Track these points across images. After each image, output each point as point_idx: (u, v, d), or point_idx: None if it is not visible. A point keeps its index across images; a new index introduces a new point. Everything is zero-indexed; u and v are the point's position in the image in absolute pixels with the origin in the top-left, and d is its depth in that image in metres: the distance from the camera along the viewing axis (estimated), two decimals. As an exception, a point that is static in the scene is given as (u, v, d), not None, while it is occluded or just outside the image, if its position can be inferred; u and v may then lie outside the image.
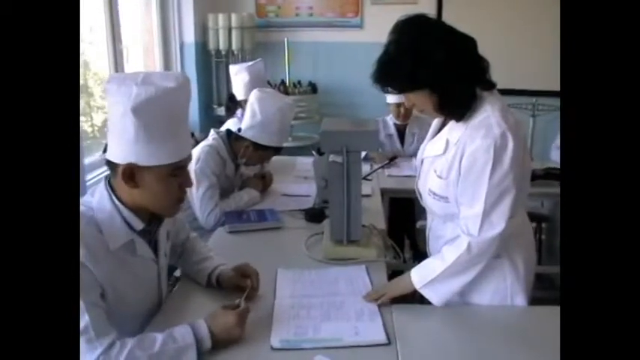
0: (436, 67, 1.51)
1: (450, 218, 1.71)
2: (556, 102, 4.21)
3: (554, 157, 3.59)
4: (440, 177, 1.66)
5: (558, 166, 3.18)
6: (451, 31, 1.58)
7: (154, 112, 1.33)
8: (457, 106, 1.59)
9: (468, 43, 1.58)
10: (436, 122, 1.80)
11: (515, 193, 1.53)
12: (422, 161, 1.81)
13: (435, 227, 1.83)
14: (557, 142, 3.65)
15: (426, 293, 1.63)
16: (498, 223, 1.53)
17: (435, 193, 1.70)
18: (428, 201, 1.76)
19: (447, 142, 1.64)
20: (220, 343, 1.39)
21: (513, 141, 1.50)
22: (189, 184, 1.50)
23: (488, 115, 1.55)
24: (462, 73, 1.55)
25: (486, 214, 1.53)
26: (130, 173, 1.37)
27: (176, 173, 1.43)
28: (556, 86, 4.92)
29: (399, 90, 1.65)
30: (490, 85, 1.61)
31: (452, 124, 1.66)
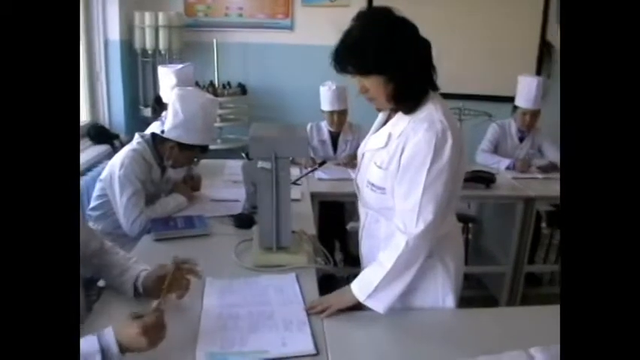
0: (399, 56, 1.54)
1: (383, 213, 1.72)
2: (482, 106, 4.34)
3: (480, 160, 3.75)
4: (380, 167, 1.67)
5: (484, 169, 3.37)
6: (414, 28, 1.59)
7: None
8: (409, 97, 1.61)
9: (425, 42, 1.61)
10: (380, 117, 1.80)
11: (449, 189, 1.57)
12: (362, 155, 1.81)
13: (369, 226, 1.83)
14: (483, 145, 3.82)
15: (370, 304, 1.63)
16: (431, 216, 1.56)
17: (373, 184, 1.70)
18: (365, 193, 1.76)
19: (390, 135, 1.66)
20: (130, 351, 1.31)
21: (452, 139, 1.54)
22: None
23: (432, 112, 1.58)
24: (420, 68, 1.58)
25: (422, 207, 1.56)
26: None
27: None
28: (482, 90, 5.04)
29: (359, 70, 1.60)
30: (435, 87, 1.65)
31: (395, 119, 1.67)
